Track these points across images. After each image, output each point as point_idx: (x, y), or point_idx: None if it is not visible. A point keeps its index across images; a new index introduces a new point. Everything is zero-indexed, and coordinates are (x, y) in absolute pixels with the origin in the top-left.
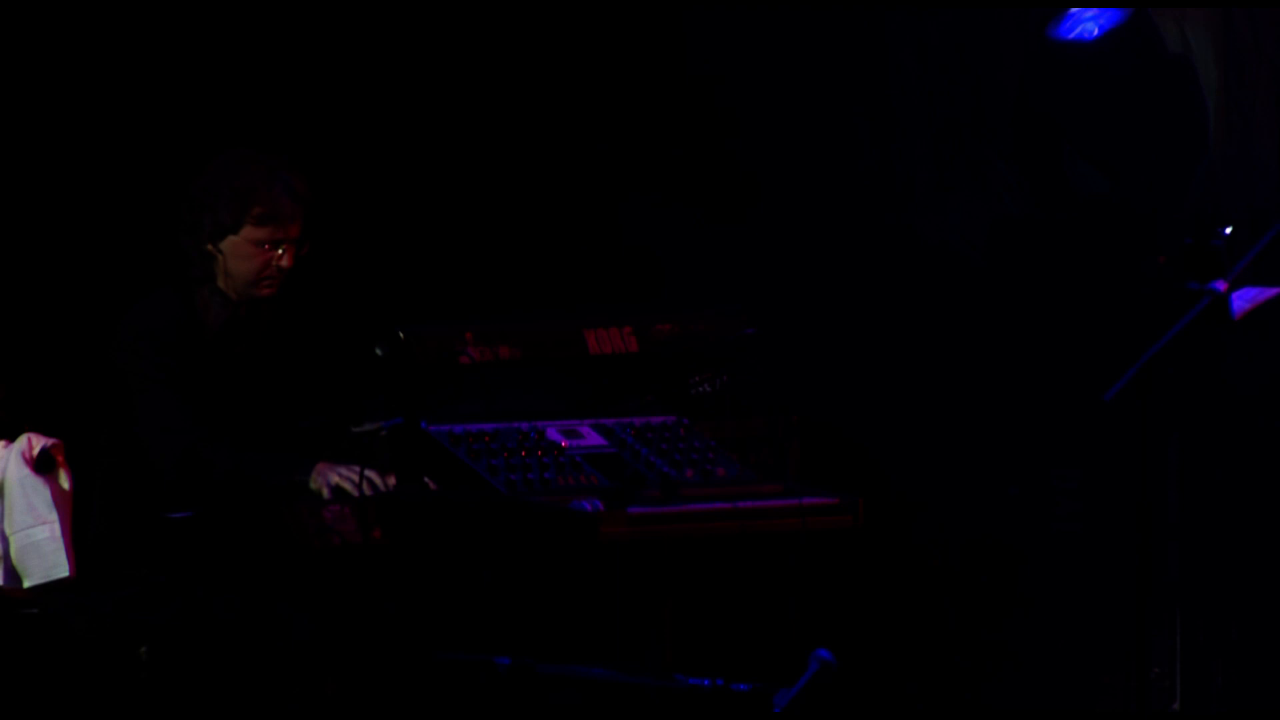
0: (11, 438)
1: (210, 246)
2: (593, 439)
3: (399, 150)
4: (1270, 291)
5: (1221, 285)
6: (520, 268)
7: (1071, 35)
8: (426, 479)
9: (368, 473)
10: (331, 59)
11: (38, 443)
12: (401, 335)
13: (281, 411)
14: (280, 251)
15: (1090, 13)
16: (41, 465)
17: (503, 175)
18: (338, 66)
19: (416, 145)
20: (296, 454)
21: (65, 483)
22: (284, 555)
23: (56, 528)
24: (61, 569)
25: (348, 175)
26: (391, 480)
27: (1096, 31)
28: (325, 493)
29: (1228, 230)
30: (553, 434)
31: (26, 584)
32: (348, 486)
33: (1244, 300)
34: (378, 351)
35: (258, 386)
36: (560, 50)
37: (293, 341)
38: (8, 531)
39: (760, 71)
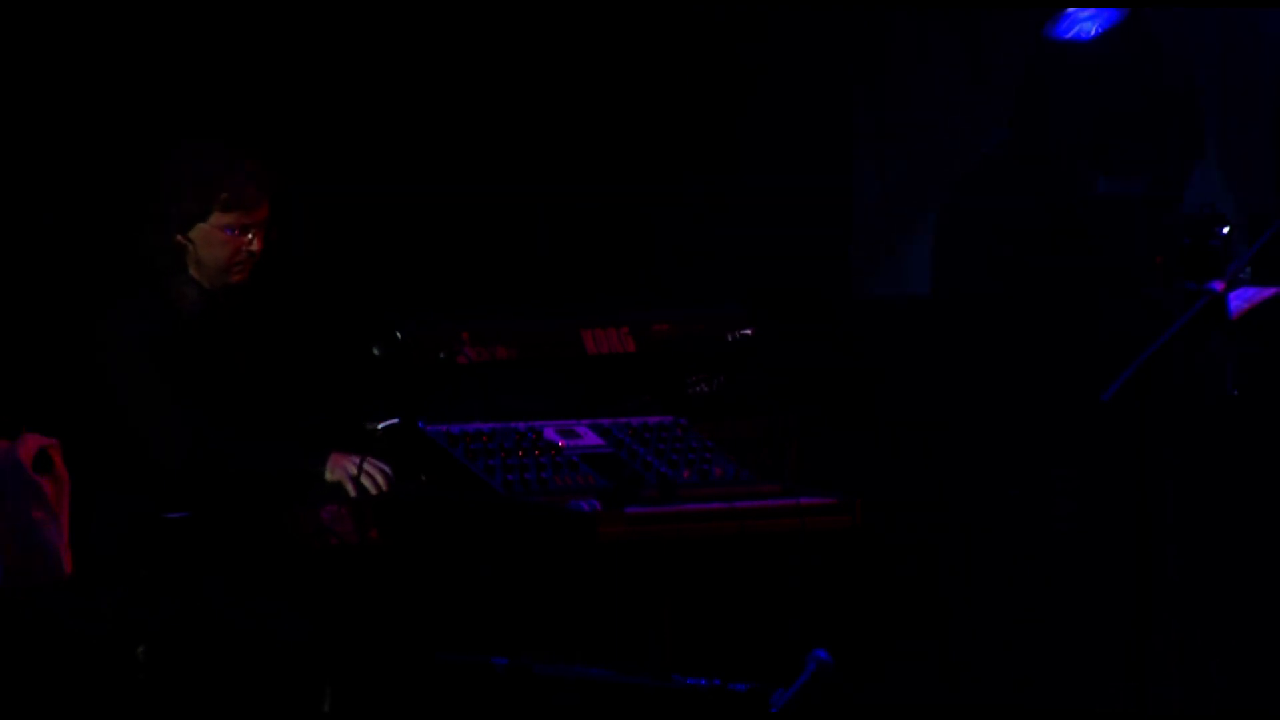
0: (9, 438)
1: (180, 237)
2: (590, 439)
3: (394, 143)
4: (1268, 291)
5: (1219, 285)
6: (517, 264)
7: (1069, 35)
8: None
9: (379, 466)
10: (324, 56)
11: (35, 443)
12: (399, 335)
13: (269, 398)
14: (250, 236)
15: (1087, 12)
16: (39, 465)
17: (500, 171)
18: (329, 63)
19: (411, 139)
20: (307, 444)
21: (62, 483)
22: (281, 555)
23: (53, 528)
24: (58, 569)
25: (341, 170)
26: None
27: (1094, 31)
28: (349, 487)
29: (1225, 230)
30: (550, 434)
31: (23, 584)
32: (367, 484)
33: (1241, 300)
34: (375, 351)
35: (244, 375)
36: (558, 38)
37: (276, 329)
38: (4, 532)
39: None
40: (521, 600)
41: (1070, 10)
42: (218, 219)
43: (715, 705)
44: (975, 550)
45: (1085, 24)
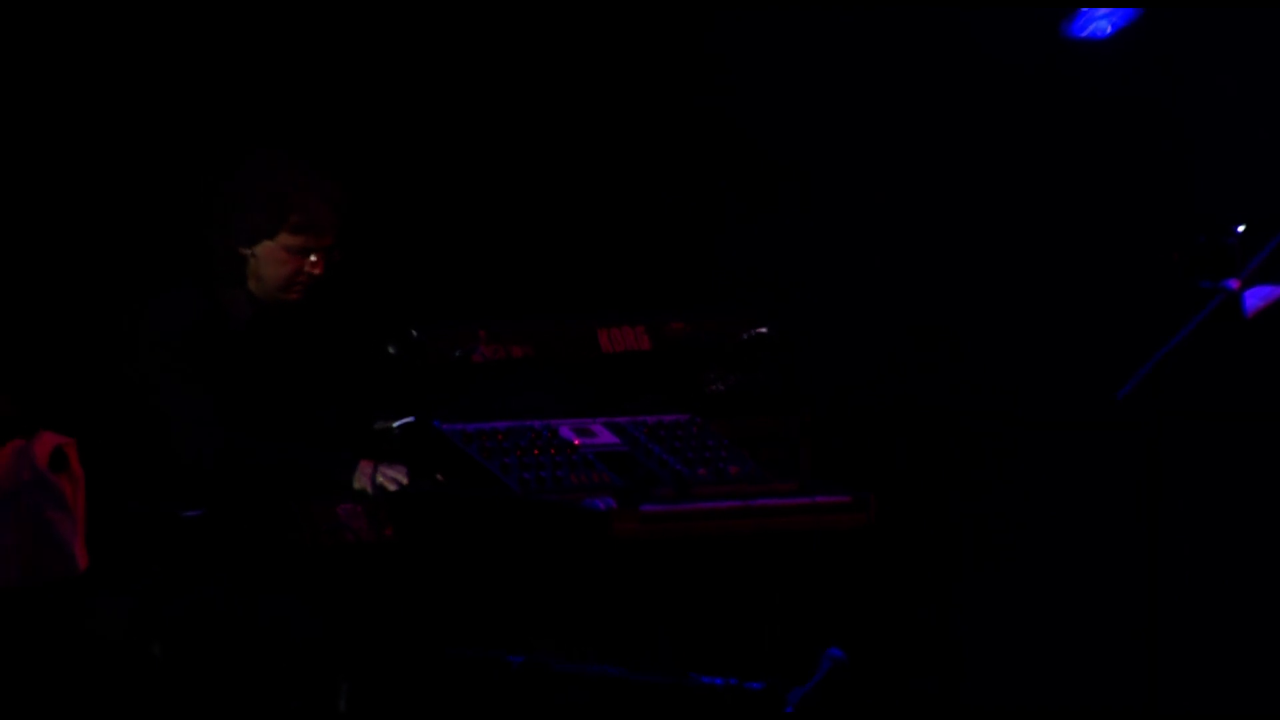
0: (26, 436)
1: (243, 249)
2: (605, 437)
3: (418, 149)
4: None
5: (1234, 283)
6: (537, 268)
7: (1084, 34)
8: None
9: (396, 471)
10: (349, 60)
11: (51, 441)
12: (415, 334)
13: (304, 410)
14: (313, 259)
15: (1102, 11)
16: (54, 464)
17: (518, 175)
18: (356, 67)
19: (437, 144)
20: (337, 449)
21: (78, 481)
22: (296, 553)
23: (69, 526)
24: (74, 567)
25: (366, 175)
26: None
27: (1109, 30)
28: (370, 493)
29: (1241, 228)
30: (565, 432)
31: (39, 582)
32: (392, 489)
33: (1257, 299)
34: (391, 350)
35: (281, 385)
36: (568, 48)
37: (317, 342)
38: (20, 530)
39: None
40: (537, 598)
41: (1085, 9)
42: (285, 239)
43: (731, 703)
44: (987, 549)
45: (1100, 22)
